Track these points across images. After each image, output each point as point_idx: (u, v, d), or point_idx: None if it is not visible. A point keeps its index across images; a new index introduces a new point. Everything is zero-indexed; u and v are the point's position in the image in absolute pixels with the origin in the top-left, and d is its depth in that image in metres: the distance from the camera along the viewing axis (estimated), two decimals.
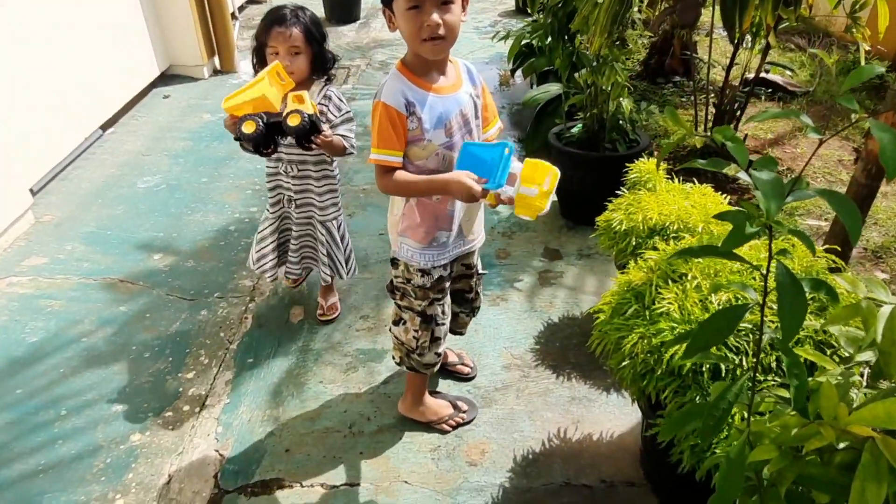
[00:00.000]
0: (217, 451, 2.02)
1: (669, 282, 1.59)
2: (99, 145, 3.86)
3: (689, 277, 1.57)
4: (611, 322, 1.63)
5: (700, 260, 1.60)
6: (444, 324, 1.94)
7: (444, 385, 2.25)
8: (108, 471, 1.95)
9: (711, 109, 3.79)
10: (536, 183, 1.55)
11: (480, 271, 2.09)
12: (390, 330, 2.02)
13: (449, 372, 2.29)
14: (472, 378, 2.29)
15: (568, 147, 3.04)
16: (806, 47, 5.62)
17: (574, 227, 3.14)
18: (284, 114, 1.88)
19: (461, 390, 2.25)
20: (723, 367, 1.42)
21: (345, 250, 2.43)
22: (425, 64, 1.59)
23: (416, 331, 1.92)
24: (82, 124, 3.77)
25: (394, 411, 2.16)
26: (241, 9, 6.25)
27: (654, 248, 1.97)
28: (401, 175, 1.63)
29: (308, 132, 1.91)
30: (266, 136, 1.91)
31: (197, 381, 2.27)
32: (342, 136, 2.11)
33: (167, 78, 4.69)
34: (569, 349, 2.43)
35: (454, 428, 2.10)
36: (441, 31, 1.48)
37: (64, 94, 3.55)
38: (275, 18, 2.03)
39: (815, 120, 4.29)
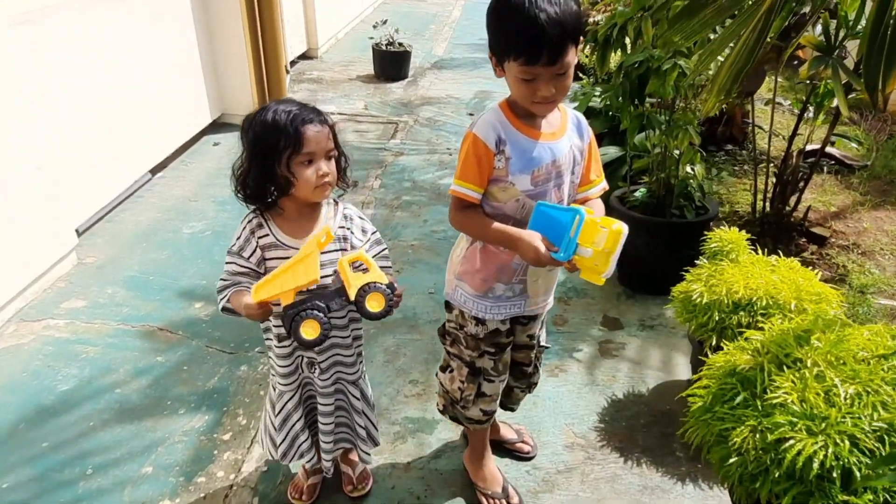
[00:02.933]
0: None
1: (784, 368, 1.40)
2: (147, 189, 3.82)
3: (809, 364, 1.37)
4: (711, 410, 1.44)
5: (820, 344, 1.41)
6: (493, 381, 1.79)
7: (501, 464, 2.04)
8: None
9: (772, 180, 3.63)
10: (589, 242, 1.38)
11: (542, 344, 1.93)
12: (436, 375, 1.90)
13: (508, 450, 2.09)
14: (532, 458, 2.08)
15: (632, 211, 2.89)
16: (859, 122, 5.48)
17: (634, 296, 2.96)
18: (355, 294, 1.42)
19: (520, 470, 2.04)
20: (856, 471, 1.22)
21: (374, 407, 1.87)
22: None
23: (462, 381, 1.79)
24: (133, 167, 3.75)
25: (445, 491, 1.96)
26: (292, 63, 6.36)
27: (749, 326, 1.78)
28: (476, 215, 1.55)
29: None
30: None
31: (233, 443, 2.10)
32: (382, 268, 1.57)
33: (218, 126, 4.71)
34: (636, 430, 2.21)
35: None
36: (554, 98, 1.41)
37: (117, 137, 3.54)
38: (302, 118, 1.46)
39: (875, 195, 4.12)
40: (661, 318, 2.80)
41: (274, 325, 1.61)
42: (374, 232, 1.65)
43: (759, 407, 1.36)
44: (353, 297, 1.42)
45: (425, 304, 2.86)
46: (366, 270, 1.46)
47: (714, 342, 1.98)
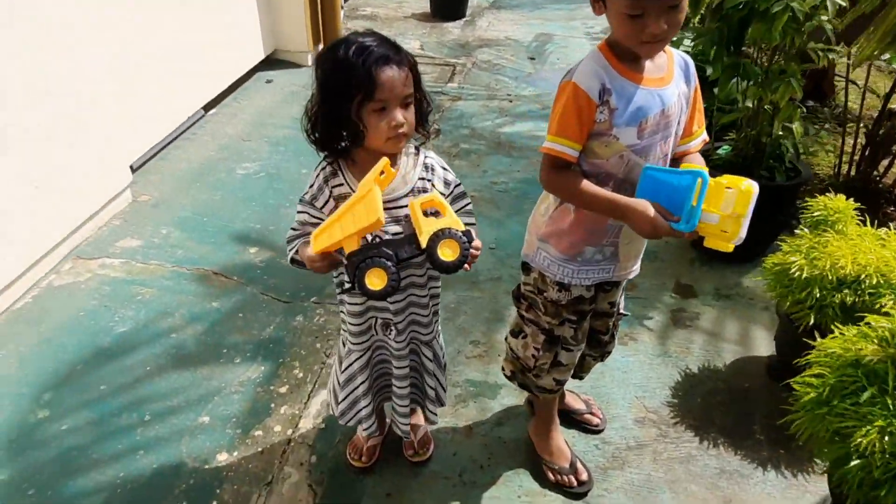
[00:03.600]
0: (310, 484, 1.78)
1: None
2: (200, 126, 3.73)
3: None
4: (828, 403, 1.28)
5: None
6: (571, 349, 1.66)
7: (568, 436, 1.93)
8: (192, 494, 1.74)
9: (861, 141, 3.32)
10: (713, 207, 1.24)
11: (622, 311, 1.78)
12: (506, 339, 1.78)
13: (575, 421, 1.97)
14: (601, 431, 1.97)
15: (714, 170, 2.66)
16: None
17: (709, 263, 2.76)
18: (426, 242, 1.25)
19: (588, 444, 1.93)
20: None
21: (445, 368, 1.73)
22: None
23: (536, 349, 1.67)
24: (185, 104, 3.64)
25: (509, 461, 1.87)
26: None
27: (853, 306, 1.60)
28: (575, 177, 1.37)
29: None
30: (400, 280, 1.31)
31: (290, 397, 2.04)
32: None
33: (271, 62, 4.55)
34: (713, 408, 2.07)
35: (555, 484, 1.79)
36: (665, 35, 1.21)
37: (170, 73, 3.42)
38: (378, 56, 1.26)
39: None
40: (739, 287, 2.61)
41: (335, 276, 1.49)
42: (458, 184, 1.49)
43: (890, 406, 1.19)
44: (424, 245, 1.26)
45: (486, 261, 2.72)
46: (439, 215, 1.30)
47: (811, 321, 1.80)
